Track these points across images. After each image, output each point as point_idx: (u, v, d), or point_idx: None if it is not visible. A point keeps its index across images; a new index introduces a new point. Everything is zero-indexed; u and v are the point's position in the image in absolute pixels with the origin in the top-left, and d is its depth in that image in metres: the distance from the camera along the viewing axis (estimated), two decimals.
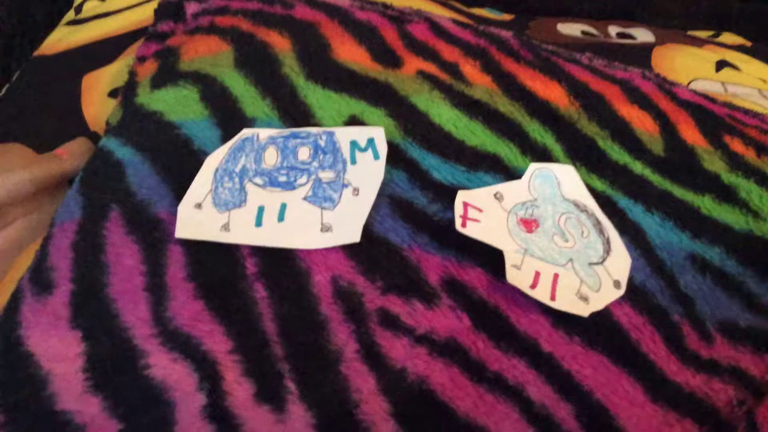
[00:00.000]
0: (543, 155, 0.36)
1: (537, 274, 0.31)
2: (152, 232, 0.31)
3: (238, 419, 0.26)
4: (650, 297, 0.32)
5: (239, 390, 0.27)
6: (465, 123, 0.36)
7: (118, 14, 0.58)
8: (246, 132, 0.35)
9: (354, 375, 0.28)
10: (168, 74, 0.39)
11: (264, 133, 0.35)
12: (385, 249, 0.31)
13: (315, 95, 0.37)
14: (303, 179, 0.33)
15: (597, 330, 0.31)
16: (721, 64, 0.59)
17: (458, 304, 0.30)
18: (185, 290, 0.29)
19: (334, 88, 0.37)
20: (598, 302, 0.31)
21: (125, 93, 0.42)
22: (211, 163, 0.33)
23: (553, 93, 0.39)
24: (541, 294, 0.30)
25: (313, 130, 0.35)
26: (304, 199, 0.32)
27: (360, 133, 0.34)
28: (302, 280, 0.29)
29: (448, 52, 0.41)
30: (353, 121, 0.36)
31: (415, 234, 0.31)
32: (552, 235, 0.32)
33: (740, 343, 0.31)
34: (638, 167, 0.37)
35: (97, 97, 0.50)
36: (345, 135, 0.34)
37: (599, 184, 0.35)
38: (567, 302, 0.30)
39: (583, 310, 0.30)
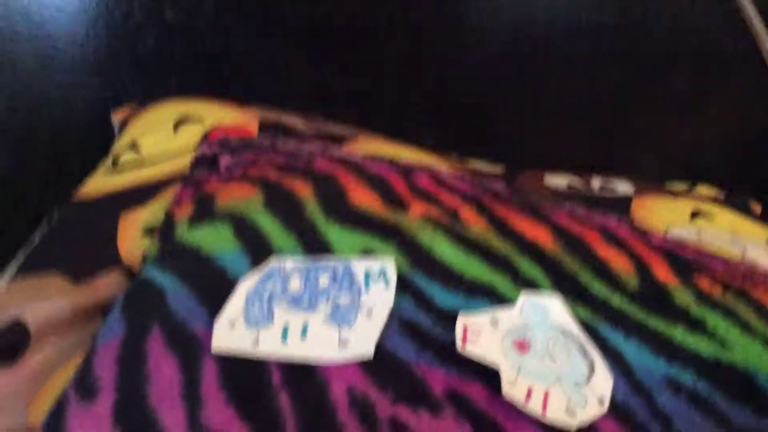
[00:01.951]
0: (532, 287, 0.41)
1: (530, 390, 0.35)
2: (190, 346, 0.35)
3: None
4: (631, 414, 0.35)
5: None
6: (464, 258, 0.42)
7: (154, 164, 0.65)
8: (274, 261, 0.40)
9: None
10: (205, 214, 0.45)
11: (290, 263, 0.40)
12: (395, 364, 0.35)
13: (333, 232, 0.43)
14: (323, 303, 0.37)
15: None
16: (695, 214, 0.65)
17: (461, 414, 0.33)
18: (218, 398, 0.33)
19: (350, 226, 0.43)
20: (585, 417, 0.34)
21: (163, 230, 0.48)
22: (243, 288, 0.38)
23: (540, 234, 0.45)
24: (534, 408, 0.34)
25: (332, 260, 0.40)
26: (325, 319, 0.37)
27: (373, 264, 0.39)
28: (322, 390, 0.33)
29: (448, 199, 0.47)
30: (366, 254, 0.41)
31: (420, 351, 0.36)
32: (542, 357, 0.37)
33: None
34: (617, 300, 0.41)
35: (133, 235, 0.55)
36: (360, 265, 0.39)
37: (582, 313, 0.40)
38: (557, 416, 0.34)
39: (570, 424, 0.34)
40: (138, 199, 0.59)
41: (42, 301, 0.46)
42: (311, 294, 0.38)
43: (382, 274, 0.39)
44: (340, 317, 0.37)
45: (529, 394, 0.34)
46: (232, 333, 0.36)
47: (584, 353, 0.37)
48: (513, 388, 0.34)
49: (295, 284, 0.39)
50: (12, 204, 0.86)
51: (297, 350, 0.35)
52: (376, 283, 0.38)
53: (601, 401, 0.35)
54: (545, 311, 0.39)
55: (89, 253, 0.54)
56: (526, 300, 0.39)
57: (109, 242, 0.55)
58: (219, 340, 0.35)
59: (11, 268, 0.55)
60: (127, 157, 0.69)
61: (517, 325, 0.38)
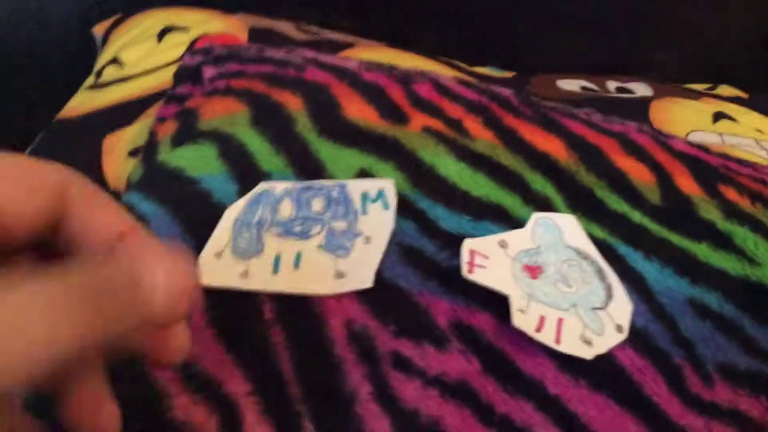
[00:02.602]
0: (545, 205, 0.38)
1: (542, 319, 0.32)
2: None
3: None
4: (652, 341, 0.33)
5: (259, 431, 0.28)
6: (469, 175, 0.38)
7: (137, 78, 0.61)
8: (263, 185, 0.37)
9: (368, 416, 0.29)
10: (188, 133, 0.42)
11: (279, 186, 0.37)
12: (396, 294, 0.32)
13: (327, 150, 0.39)
14: (317, 229, 0.34)
15: (602, 373, 0.32)
16: (718, 116, 0.62)
17: (468, 347, 0.31)
18: (206, 335, 0.30)
19: (344, 143, 0.39)
20: (602, 346, 0.32)
21: (146, 151, 0.44)
22: (230, 215, 0.35)
23: (552, 146, 0.41)
24: (546, 337, 0.31)
25: (326, 182, 0.37)
26: (319, 247, 0.34)
27: (371, 185, 0.36)
28: (318, 323, 0.31)
29: (452, 109, 0.43)
30: (363, 174, 0.38)
31: (424, 280, 0.33)
32: (555, 281, 0.34)
33: (739, 386, 0.32)
34: (636, 216, 0.38)
35: (118, 157, 0.52)
36: (356, 187, 0.36)
37: (599, 232, 0.37)
38: (571, 345, 0.31)
39: (587, 353, 0.31)
40: (123, 118, 0.56)
41: None
42: (304, 220, 0.35)
43: (381, 196, 0.36)
44: (336, 245, 0.34)
45: (541, 323, 0.32)
46: (219, 265, 0.33)
47: (601, 276, 0.34)
48: (523, 317, 0.32)
49: (286, 210, 0.35)
50: None
51: (290, 282, 0.32)
52: (374, 206, 0.35)
53: (619, 328, 0.33)
54: (559, 232, 0.36)
55: None
56: (537, 220, 0.36)
57: (94, 164, 0.52)
58: (205, 274, 0.33)
59: None
60: (110, 72, 0.65)
61: (528, 248, 0.35)
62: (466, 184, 0.38)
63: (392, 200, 0.35)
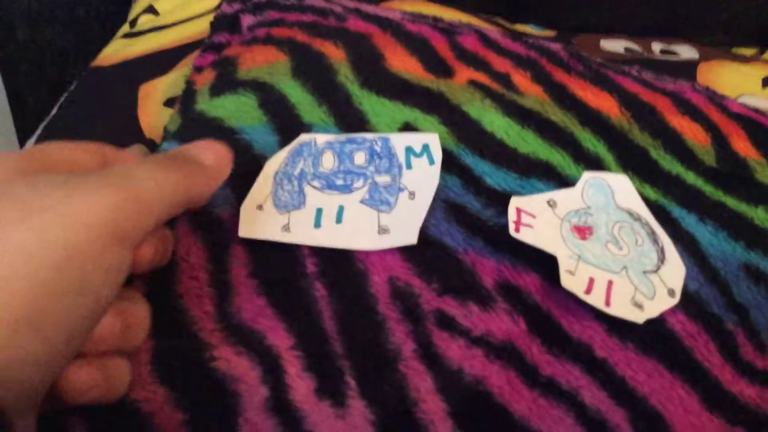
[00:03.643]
0: (596, 164, 0.36)
1: (591, 280, 0.31)
2: (216, 231, 0.32)
3: (300, 412, 0.27)
4: (704, 305, 0.32)
5: (301, 384, 0.27)
6: (517, 131, 0.37)
7: (173, 27, 0.60)
8: (304, 137, 0.36)
9: (412, 374, 0.28)
10: (226, 82, 0.41)
11: (321, 138, 0.36)
12: (441, 252, 0.31)
13: (369, 102, 0.38)
14: (359, 183, 0.34)
15: (651, 337, 0.31)
16: (767, 81, 0.59)
17: (514, 307, 0.30)
18: (248, 287, 0.30)
19: (387, 95, 0.38)
20: (653, 310, 0.31)
21: (183, 101, 0.43)
22: (271, 167, 0.34)
23: (605, 103, 0.39)
24: (596, 300, 0.30)
25: (369, 135, 0.36)
26: (361, 202, 0.33)
27: (415, 139, 0.35)
28: (360, 280, 0.30)
29: (499, 63, 0.42)
30: (407, 127, 0.37)
31: (469, 238, 0.32)
32: (606, 243, 0.33)
33: None
34: (691, 177, 0.37)
35: (153, 106, 0.51)
36: (400, 140, 0.35)
37: (652, 194, 0.36)
38: (622, 309, 0.30)
39: (638, 317, 0.30)
40: (158, 66, 0.55)
41: None
42: (346, 173, 0.34)
43: (426, 150, 0.34)
44: (380, 199, 0.33)
45: (590, 285, 0.31)
46: (260, 217, 0.32)
47: (654, 239, 0.33)
48: (572, 278, 0.31)
49: (328, 162, 0.34)
50: (33, 77, 0.82)
51: (332, 236, 0.32)
52: (418, 160, 0.34)
53: (671, 292, 0.32)
54: (610, 191, 0.35)
55: (109, 125, 0.50)
56: (588, 179, 0.35)
57: (129, 113, 0.52)
58: (246, 225, 0.32)
59: (30, 143, 0.52)
60: (145, 20, 0.64)
61: (578, 208, 0.34)
62: (513, 141, 0.36)
63: (437, 155, 0.34)
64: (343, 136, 0.36)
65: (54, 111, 0.55)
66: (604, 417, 0.29)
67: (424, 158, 0.34)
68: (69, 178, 0.22)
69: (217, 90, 0.41)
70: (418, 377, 0.28)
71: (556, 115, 0.38)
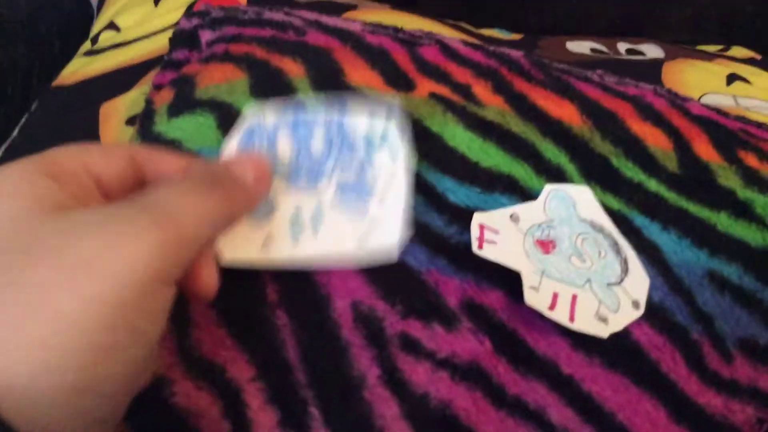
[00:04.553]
0: (558, 175, 0.36)
1: (555, 296, 0.31)
2: None
3: None
4: (669, 316, 0.32)
5: (264, 417, 0.27)
6: (479, 144, 0.36)
7: (134, 44, 0.59)
8: (249, 113, 0.34)
9: (377, 401, 0.28)
10: (184, 103, 0.40)
11: (269, 115, 0.34)
12: (404, 273, 0.31)
13: None
14: (324, 182, 0.32)
15: (617, 351, 0.31)
16: (731, 78, 0.60)
17: (479, 327, 0.30)
18: (207, 317, 0.29)
19: None
20: (618, 323, 0.31)
21: (142, 121, 0.43)
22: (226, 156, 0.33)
23: (566, 112, 0.39)
24: (560, 316, 0.30)
25: (321, 111, 0.34)
26: (333, 208, 0.31)
27: (371, 127, 0.33)
28: (323, 305, 0.30)
29: (460, 74, 0.41)
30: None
31: (432, 257, 0.32)
32: (569, 256, 0.32)
33: (759, 362, 0.31)
34: (653, 185, 0.37)
35: (116, 125, 0.50)
36: (356, 125, 0.33)
37: (614, 203, 0.36)
38: (586, 323, 0.30)
39: (603, 331, 0.30)
40: (119, 84, 0.54)
41: None
42: (308, 170, 0.32)
43: (384, 142, 0.33)
44: (350, 206, 0.31)
45: (554, 301, 0.31)
46: (237, 235, 0.30)
47: (617, 250, 0.33)
48: (536, 295, 0.30)
49: (285, 147, 0.32)
50: None
51: (312, 251, 0.30)
52: (379, 155, 0.32)
53: (636, 304, 0.32)
54: (572, 204, 0.34)
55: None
56: (550, 191, 0.35)
57: (91, 132, 0.51)
58: (228, 249, 0.29)
59: None
60: (106, 37, 0.63)
61: (541, 221, 0.33)
62: (475, 154, 0.36)
63: (399, 150, 0.32)
64: (291, 112, 0.34)
65: (15, 133, 0.53)
66: None
67: (385, 153, 0.32)
68: (104, 219, 0.21)
69: (174, 110, 0.40)
70: (384, 404, 0.28)
71: (518, 126, 0.38)
